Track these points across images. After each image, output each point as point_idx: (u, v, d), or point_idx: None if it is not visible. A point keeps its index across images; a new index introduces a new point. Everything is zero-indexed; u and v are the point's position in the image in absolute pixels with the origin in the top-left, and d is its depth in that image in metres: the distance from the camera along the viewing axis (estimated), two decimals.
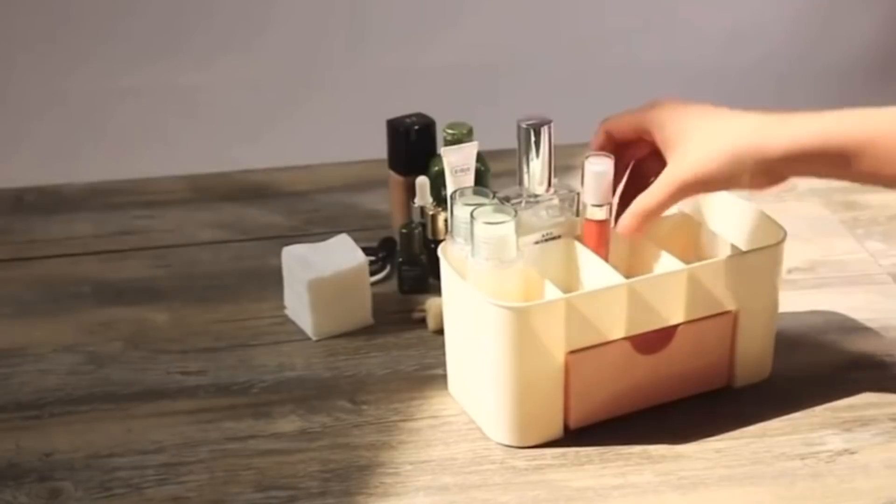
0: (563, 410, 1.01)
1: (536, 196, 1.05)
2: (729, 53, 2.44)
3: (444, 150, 1.15)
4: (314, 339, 1.17)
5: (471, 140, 1.20)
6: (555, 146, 1.05)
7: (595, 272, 1.04)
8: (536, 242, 1.06)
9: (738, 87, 2.23)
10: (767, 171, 0.98)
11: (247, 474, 0.99)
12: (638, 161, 1.07)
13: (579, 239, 1.06)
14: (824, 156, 0.96)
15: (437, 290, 1.08)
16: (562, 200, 1.06)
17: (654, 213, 1.02)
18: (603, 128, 1.06)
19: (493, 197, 1.05)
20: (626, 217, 1.03)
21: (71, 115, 2.30)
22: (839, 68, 2.45)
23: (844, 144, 0.95)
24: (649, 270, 1.06)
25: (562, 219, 1.07)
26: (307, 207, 1.41)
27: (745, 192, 1.06)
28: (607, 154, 1.03)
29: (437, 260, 1.05)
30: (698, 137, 0.99)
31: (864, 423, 1.04)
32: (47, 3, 2.26)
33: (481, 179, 1.20)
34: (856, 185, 1.42)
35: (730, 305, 1.04)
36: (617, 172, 1.05)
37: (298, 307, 1.18)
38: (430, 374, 1.11)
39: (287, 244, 1.19)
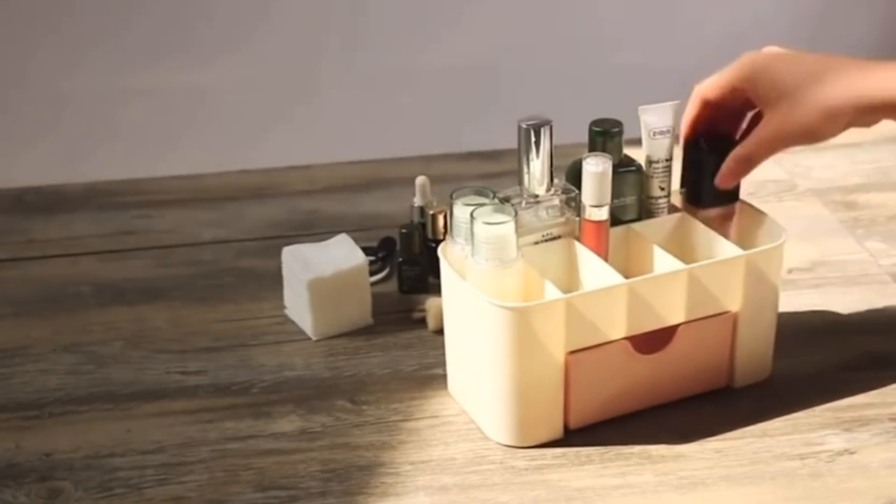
0: (563, 410, 1.01)
1: (536, 196, 1.05)
2: (728, 53, 2.42)
3: (641, 109, 1.08)
4: (314, 339, 1.17)
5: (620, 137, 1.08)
6: (555, 146, 1.05)
7: (595, 272, 1.04)
8: (536, 242, 1.06)
9: None
10: (864, 118, 0.99)
11: (247, 474, 0.99)
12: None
13: (579, 239, 1.06)
14: None
15: (437, 290, 1.08)
16: (561, 200, 1.06)
17: (751, 162, 1.03)
18: (696, 94, 1.06)
19: (493, 197, 1.05)
20: (723, 166, 1.04)
21: (71, 115, 2.30)
22: None
23: None
24: (649, 270, 1.06)
25: (562, 219, 1.07)
26: (307, 207, 1.41)
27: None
28: (605, 154, 1.03)
29: (437, 260, 1.05)
30: (799, 89, 0.99)
31: (864, 423, 1.04)
32: (47, 2, 2.26)
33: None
34: (856, 185, 1.44)
35: (730, 305, 1.04)
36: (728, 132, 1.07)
37: (298, 307, 1.18)
38: (430, 374, 1.11)
39: (287, 244, 1.19)
